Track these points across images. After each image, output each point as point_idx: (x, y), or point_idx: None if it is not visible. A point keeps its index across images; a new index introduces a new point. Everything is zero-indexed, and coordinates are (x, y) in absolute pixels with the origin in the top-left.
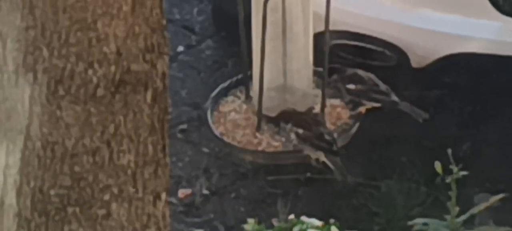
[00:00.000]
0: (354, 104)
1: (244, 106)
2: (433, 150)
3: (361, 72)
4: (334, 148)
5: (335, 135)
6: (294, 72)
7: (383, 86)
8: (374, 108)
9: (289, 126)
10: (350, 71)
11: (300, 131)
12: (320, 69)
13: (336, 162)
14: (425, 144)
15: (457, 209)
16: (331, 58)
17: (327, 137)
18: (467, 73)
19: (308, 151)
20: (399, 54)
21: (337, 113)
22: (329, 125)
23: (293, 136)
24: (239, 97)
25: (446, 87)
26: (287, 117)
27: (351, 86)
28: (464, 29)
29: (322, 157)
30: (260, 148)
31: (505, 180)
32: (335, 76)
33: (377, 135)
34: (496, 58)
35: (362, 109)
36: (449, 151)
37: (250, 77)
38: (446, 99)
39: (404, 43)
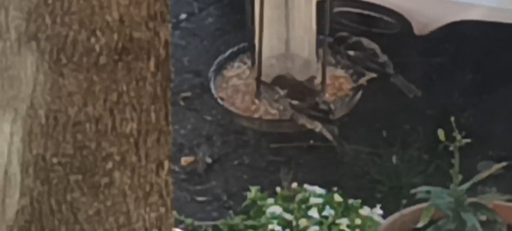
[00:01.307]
0: (357, 76)
1: (248, 72)
2: (436, 118)
3: (365, 41)
4: (331, 117)
5: (332, 106)
6: (296, 40)
7: (382, 58)
8: (376, 79)
9: (283, 92)
10: (354, 38)
11: (294, 102)
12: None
13: (333, 131)
14: (427, 111)
15: (460, 177)
16: (335, 26)
17: (322, 107)
18: (469, 41)
19: (305, 121)
20: (402, 21)
21: (339, 84)
22: (330, 95)
23: (288, 105)
24: (245, 64)
25: (449, 55)
26: (282, 82)
27: (351, 52)
28: None
29: (319, 127)
30: (256, 115)
31: (508, 148)
32: (338, 45)
33: (379, 104)
34: (499, 26)
35: (363, 81)
36: (452, 118)
37: (255, 45)
38: (449, 67)
39: (407, 10)
